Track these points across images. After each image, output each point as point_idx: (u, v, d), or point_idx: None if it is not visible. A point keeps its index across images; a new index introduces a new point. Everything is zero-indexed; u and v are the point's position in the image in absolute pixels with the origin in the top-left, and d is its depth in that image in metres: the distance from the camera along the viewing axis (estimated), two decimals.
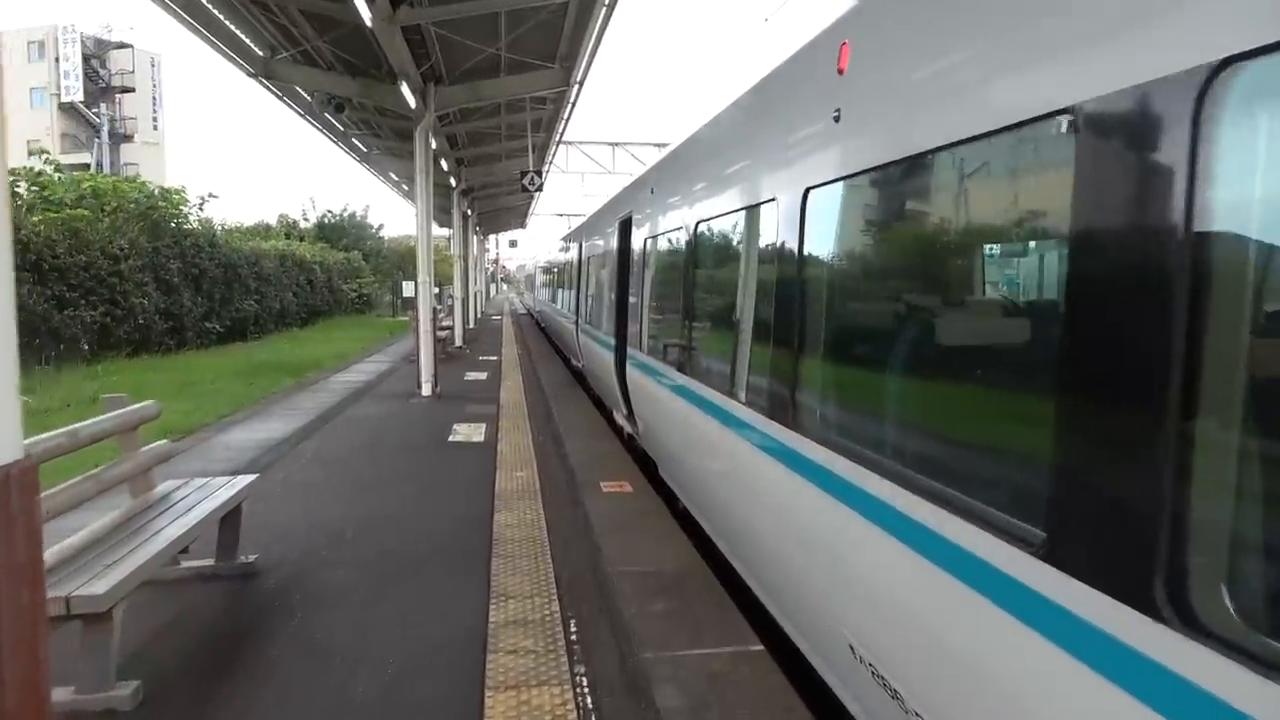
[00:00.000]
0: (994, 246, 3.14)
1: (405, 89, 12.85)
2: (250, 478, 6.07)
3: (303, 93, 15.20)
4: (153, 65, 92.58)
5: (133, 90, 75.09)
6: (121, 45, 73.85)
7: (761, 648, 4.71)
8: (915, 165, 3.31)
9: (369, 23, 10.00)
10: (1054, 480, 2.24)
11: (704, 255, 6.73)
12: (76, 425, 4.53)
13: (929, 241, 3.52)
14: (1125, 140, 2.06)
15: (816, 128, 4.16)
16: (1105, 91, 2.10)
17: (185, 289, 22.28)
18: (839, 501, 3.65)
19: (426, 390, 14.56)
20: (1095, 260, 2.15)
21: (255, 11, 12.00)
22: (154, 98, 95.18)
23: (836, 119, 3.86)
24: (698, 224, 6.69)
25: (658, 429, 8.54)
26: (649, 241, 9.02)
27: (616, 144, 41.66)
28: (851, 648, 3.54)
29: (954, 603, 2.69)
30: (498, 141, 21.85)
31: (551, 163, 24.61)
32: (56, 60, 67.27)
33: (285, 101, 16.09)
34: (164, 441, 6.06)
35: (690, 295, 6.93)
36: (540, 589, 5.53)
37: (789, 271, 4.43)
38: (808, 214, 4.24)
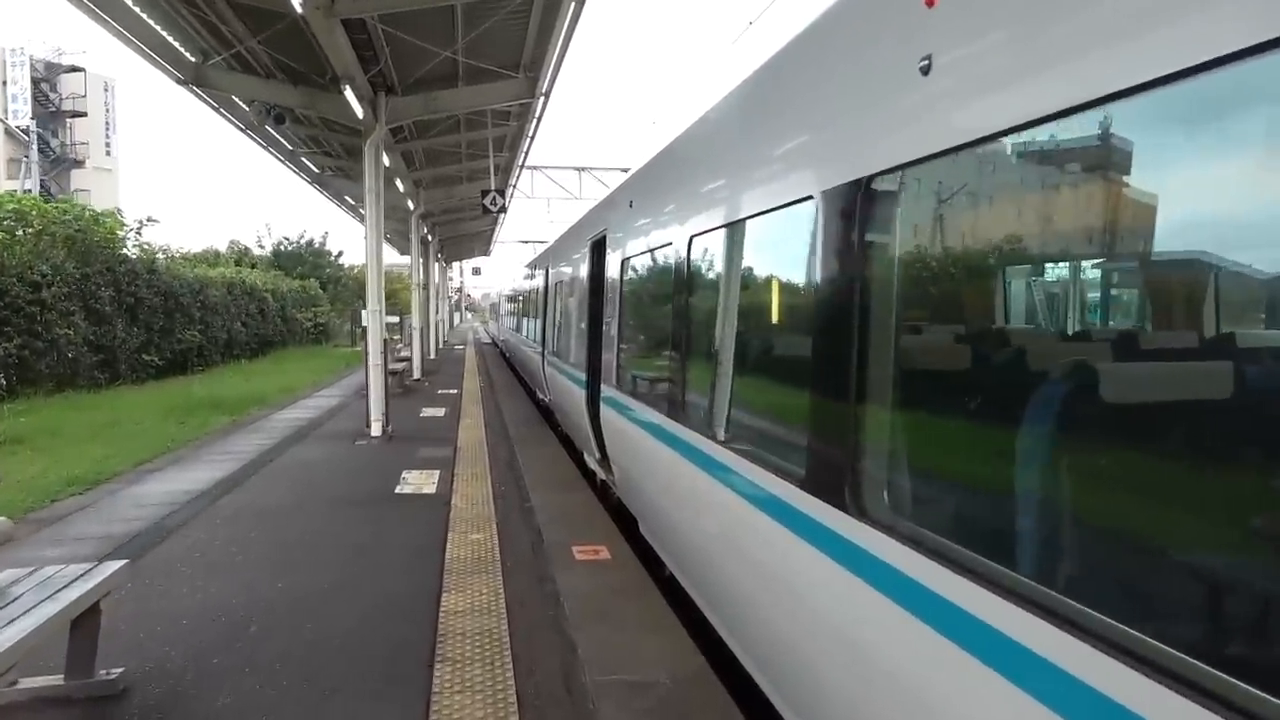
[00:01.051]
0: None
1: (351, 96, 11.55)
2: (116, 565, 4.63)
3: (240, 103, 13.82)
4: (106, 90, 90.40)
5: (84, 115, 73.08)
6: (73, 69, 71.87)
7: None
8: (1057, 131, 2.10)
9: (299, 8, 8.69)
10: None
11: (703, 275, 5.48)
12: None
13: (1087, 246, 2.30)
14: None
15: (889, 87, 2.93)
16: None
17: (119, 319, 20.59)
18: (923, 622, 2.44)
19: (376, 430, 13.12)
20: None
21: (181, 9, 10.66)
22: (107, 123, 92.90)
23: (925, 69, 2.64)
24: (694, 238, 5.45)
25: (638, 480, 7.25)
26: (628, 263, 7.78)
27: (583, 169, 40.53)
28: None
29: None
30: (458, 161, 20.57)
31: (516, 184, 23.33)
32: (3, 84, 65.17)
33: (222, 114, 14.70)
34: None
35: (683, 324, 5.67)
36: (497, 713, 4.17)
37: (837, 290, 3.19)
38: (871, 209, 3.01)
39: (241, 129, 16.29)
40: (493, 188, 16.87)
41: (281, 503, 8.71)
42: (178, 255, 29.41)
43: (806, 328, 3.48)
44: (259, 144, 17.89)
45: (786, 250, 4.16)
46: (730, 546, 4.56)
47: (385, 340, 13.67)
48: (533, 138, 17.59)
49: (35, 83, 66.36)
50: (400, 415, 15.19)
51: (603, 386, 8.69)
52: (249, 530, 7.64)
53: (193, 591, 6.01)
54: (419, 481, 9.74)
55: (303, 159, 19.82)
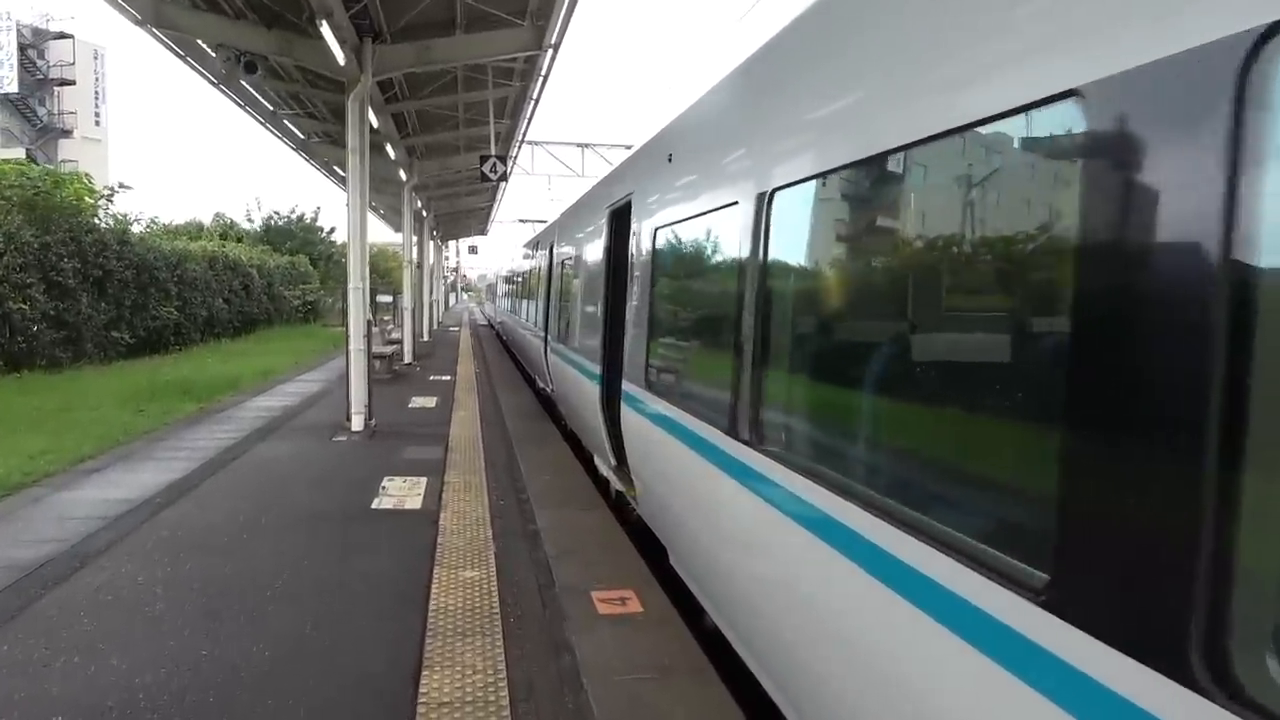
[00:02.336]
0: None
1: (330, 35, 9.89)
2: None
3: (206, 48, 12.15)
4: (95, 57, 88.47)
5: (73, 83, 71.26)
6: (61, 35, 70.04)
7: None
8: None
9: None
10: None
11: (789, 243, 3.92)
12: None
13: None
14: None
15: None
16: None
17: (84, 293, 18.94)
18: None
19: (357, 424, 11.55)
20: None
21: None
22: (96, 91, 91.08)
23: None
24: (778, 191, 3.89)
25: (672, 503, 5.74)
26: (664, 233, 6.20)
27: (585, 145, 38.82)
28: None
29: None
30: (454, 128, 18.86)
31: (518, 152, 21.49)
32: None
33: (189, 63, 13.02)
34: None
35: (754, 310, 4.10)
36: None
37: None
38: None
39: (214, 83, 14.61)
40: (493, 153, 15.23)
41: (232, 520, 7.14)
42: (156, 226, 27.69)
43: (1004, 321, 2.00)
44: (236, 102, 16.21)
45: (957, 197, 2.63)
46: (821, 623, 3.12)
47: (369, 322, 12.09)
48: (537, 101, 15.91)
49: (22, 49, 64.54)
50: (386, 405, 13.63)
51: (625, 384, 7.13)
52: (184, 562, 6.07)
53: (79, 666, 4.45)
54: (402, 492, 8.18)
55: (285, 121, 18.13)
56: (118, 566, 5.97)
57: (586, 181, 38.67)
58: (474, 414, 13.47)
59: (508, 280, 29.73)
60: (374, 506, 7.64)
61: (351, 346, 11.67)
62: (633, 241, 7.21)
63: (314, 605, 5.30)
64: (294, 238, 44.06)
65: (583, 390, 9.60)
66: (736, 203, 4.41)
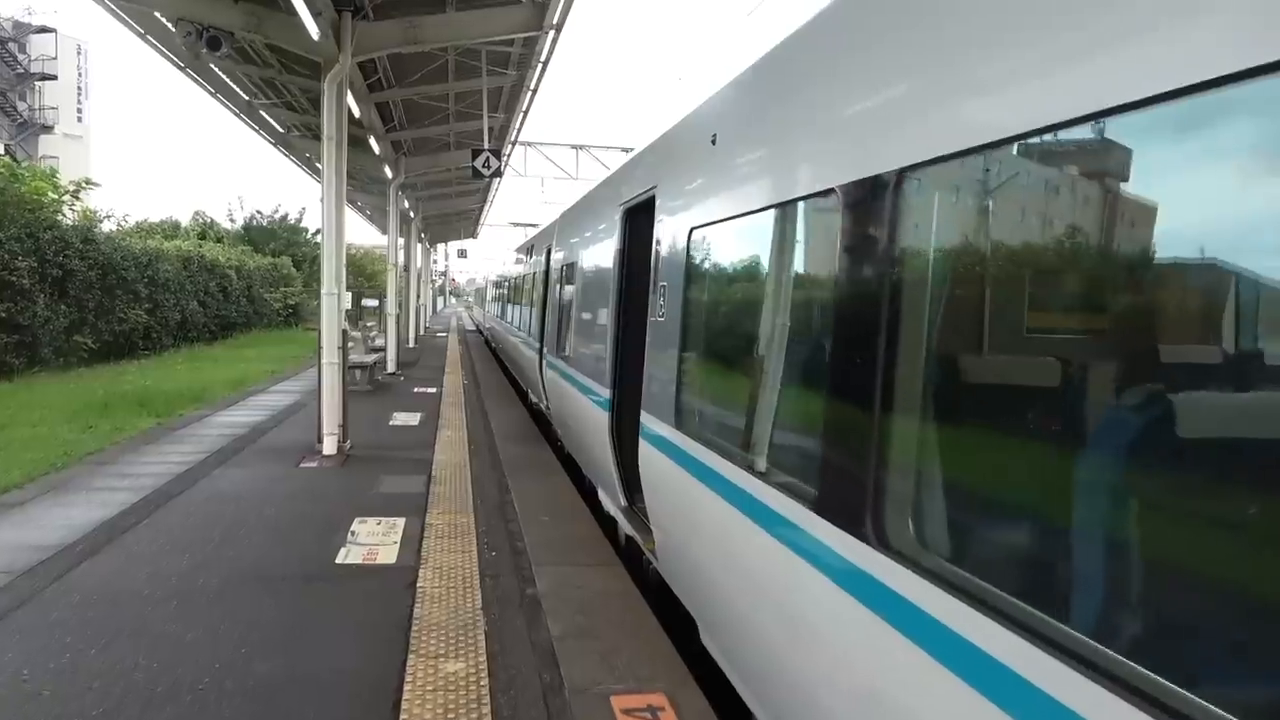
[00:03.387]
0: None
1: (302, 7, 8.61)
2: None
3: (166, 23, 10.82)
4: (79, 52, 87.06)
5: (54, 78, 69.82)
6: (43, 29, 68.59)
7: None
8: None
9: None
10: None
11: (930, 242, 2.68)
12: None
13: None
14: None
15: None
16: None
17: (40, 293, 17.53)
18: None
19: (329, 447, 10.23)
20: None
21: None
22: (79, 87, 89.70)
23: None
24: (911, 171, 2.64)
25: (708, 571, 4.55)
26: (705, 234, 4.95)
27: (580, 146, 37.62)
28: None
29: None
30: (445, 121, 17.54)
31: (512, 150, 20.05)
32: None
33: (148, 41, 11.70)
34: None
35: (865, 341, 2.83)
36: None
37: None
38: None
39: (180, 67, 13.29)
40: (486, 147, 13.94)
41: (162, 580, 5.81)
42: (127, 225, 26.26)
43: None
44: (207, 90, 14.88)
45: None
46: None
47: (345, 331, 10.78)
48: (535, 91, 14.62)
49: (2, 42, 63.17)
50: (365, 422, 12.34)
51: (645, 417, 5.87)
52: (86, 648, 4.74)
53: None
54: (374, 538, 6.87)
55: (262, 113, 16.79)
56: None
57: (582, 184, 37.58)
58: (461, 435, 12.17)
59: (499, 285, 28.29)
60: (340, 560, 6.32)
61: (324, 360, 10.35)
62: (657, 245, 5.95)
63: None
64: (277, 238, 42.56)
65: (586, 416, 8.34)
66: (832, 190, 3.15)
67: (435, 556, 6.44)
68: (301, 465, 9.74)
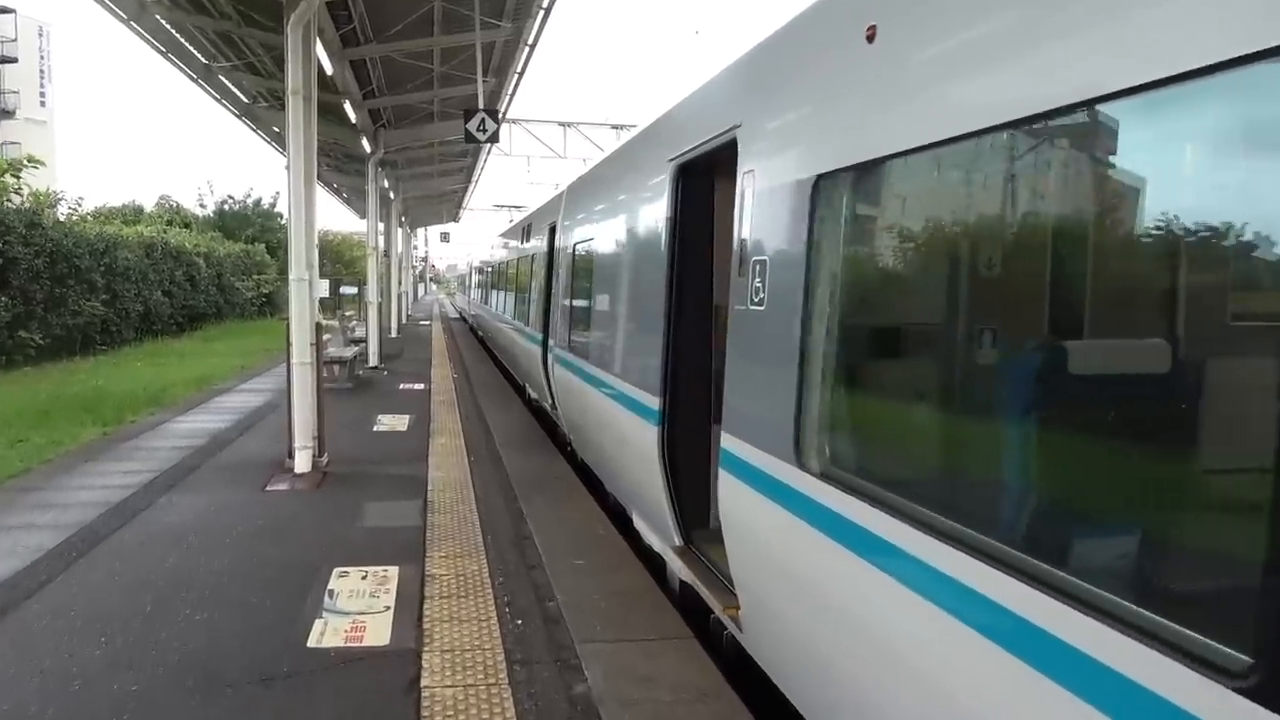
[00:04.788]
0: None
1: None
2: None
3: None
4: (41, 34, 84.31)
5: (15, 61, 67.40)
6: (3, 10, 66.17)
7: None
8: None
9: None
10: None
11: None
12: None
13: None
14: None
15: None
16: None
17: None
18: None
19: (301, 463, 8.54)
20: None
21: None
22: (41, 70, 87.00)
23: None
24: None
25: (858, 679, 2.96)
26: (836, 184, 3.32)
27: (568, 124, 35.75)
28: None
29: None
30: (429, 85, 15.71)
31: (509, 106, 17.75)
32: None
33: None
34: None
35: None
36: None
37: None
38: None
39: (124, 20, 11.45)
40: (481, 107, 12.15)
41: (56, 690, 4.12)
42: (82, 210, 24.22)
43: None
44: (157, 50, 13.02)
45: None
46: None
47: (319, 324, 9.06)
48: (533, 47, 12.84)
49: None
50: (345, 428, 10.68)
51: (728, 440, 4.27)
52: None
53: None
54: (359, 602, 5.21)
55: (221, 78, 14.90)
56: None
57: (569, 163, 35.68)
58: (457, 441, 10.50)
59: (487, 270, 26.35)
60: (313, 644, 4.63)
61: (295, 359, 8.63)
62: (746, 206, 4.29)
63: None
64: (251, 224, 40.45)
65: (618, 426, 6.71)
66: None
67: (442, 632, 4.79)
68: (268, 488, 8.05)
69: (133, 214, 32.48)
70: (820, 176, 3.45)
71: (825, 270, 3.43)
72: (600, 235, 8.04)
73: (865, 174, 3.22)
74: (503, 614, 5.09)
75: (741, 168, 4.37)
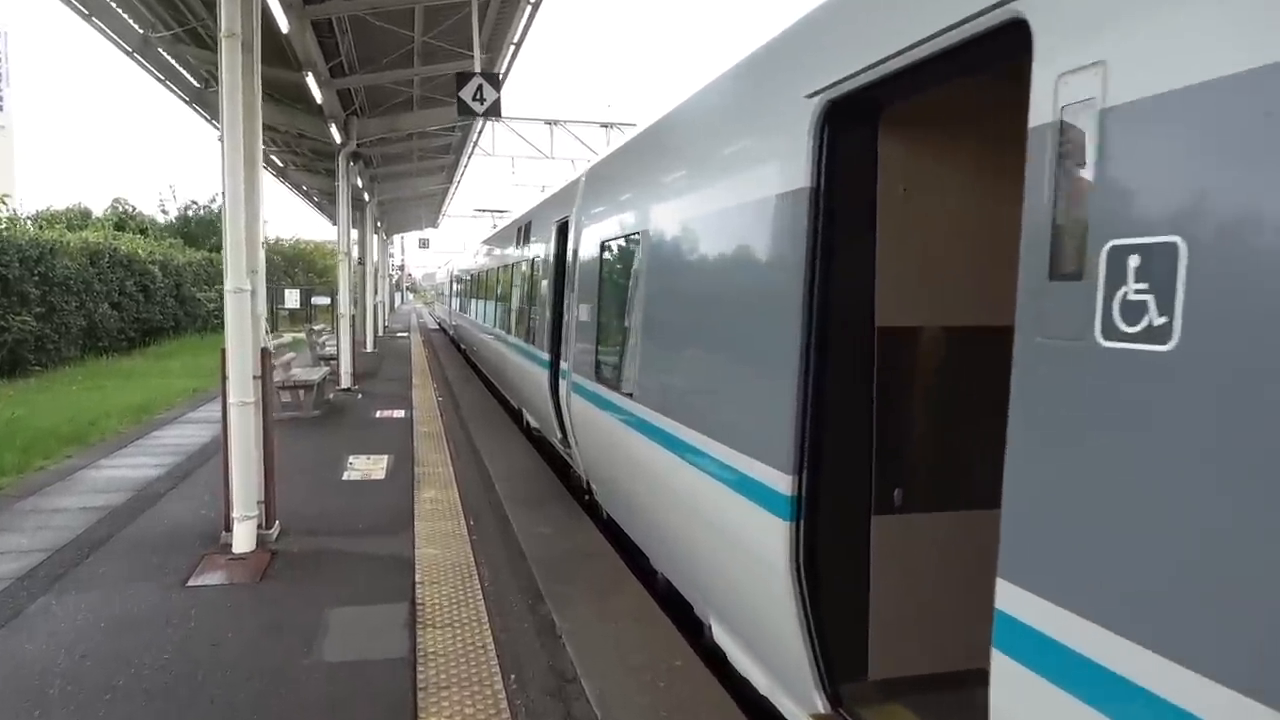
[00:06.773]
0: None
1: None
2: None
3: None
4: None
5: None
6: None
7: None
8: None
9: None
10: None
11: None
12: None
13: None
14: None
15: None
16: None
17: None
18: None
19: (242, 540, 6.26)
20: None
21: None
22: None
23: None
24: None
25: None
26: None
27: (555, 122, 33.55)
28: None
29: None
30: (409, 61, 13.42)
31: (509, 67, 15.06)
32: None
33: None
34: None
35: None
36: None
37: None
38: None
39: None
40: (479, 71, 9.82)
41: None
42: (11, 213, 21.69)
43: None
44: (79, 12, 10.71)
45: None
46: None
47: (266, 350, 6.77)
48: (536, 7, 10.62)
49: None
50: (306, 476, 8.42)
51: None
52: None
53: None
54: None
55: (160, 50, 12.56)
56: None
57: (557, 163, 33.37)
58: (450, 493, 8.25)
59: (469, 279, 23.74)
60: None
61: (232, 398, 6.34)
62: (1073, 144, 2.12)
63: None
64: (217, 231, 37.86)
65: (709, 512, 4.52)
66: None
67: None
68: (192, 583, 5.74)
69: (79, 218, 29.79)
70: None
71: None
72: (655, 228, 5.79)
73: None
74: None
75: (1056, 64, 2.20)
